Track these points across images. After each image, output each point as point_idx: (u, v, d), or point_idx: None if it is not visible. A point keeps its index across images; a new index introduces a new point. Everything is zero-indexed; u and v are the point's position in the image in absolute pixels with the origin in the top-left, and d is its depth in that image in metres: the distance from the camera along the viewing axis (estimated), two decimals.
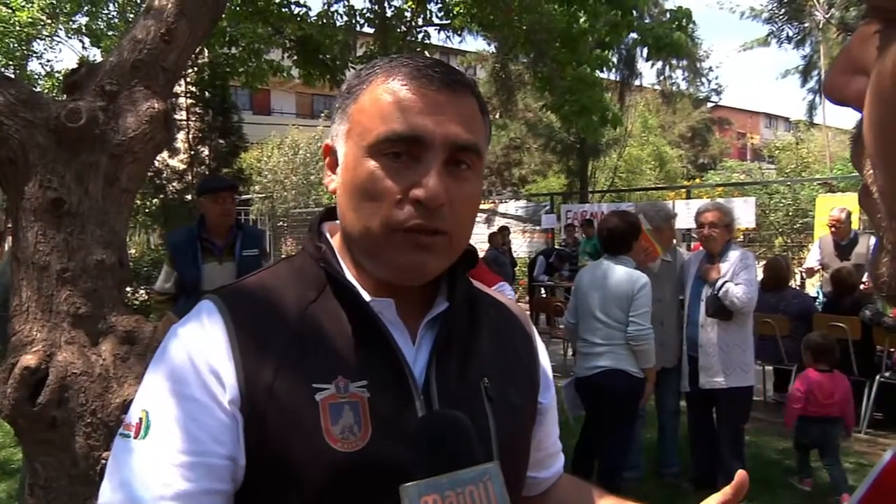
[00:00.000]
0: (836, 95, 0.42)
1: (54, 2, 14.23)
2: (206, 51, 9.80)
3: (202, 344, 0.76)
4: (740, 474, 0.80)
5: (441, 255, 0.80)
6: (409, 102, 0.77)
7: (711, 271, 3.95)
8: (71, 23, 14.65)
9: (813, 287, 6.42)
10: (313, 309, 0.80)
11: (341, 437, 0.73)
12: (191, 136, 12.47)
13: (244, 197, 15.55)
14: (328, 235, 0.88)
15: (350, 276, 0.84)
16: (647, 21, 7.54)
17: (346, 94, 0.84)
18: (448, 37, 8.83)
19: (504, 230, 11.81)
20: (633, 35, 7.25)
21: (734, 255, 3.96)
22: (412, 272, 0.79)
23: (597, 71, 7.47)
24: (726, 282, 3.85)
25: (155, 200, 12.43)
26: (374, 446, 0.73)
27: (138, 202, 11.63)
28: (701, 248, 4.25)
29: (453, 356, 0.83)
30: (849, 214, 6.24)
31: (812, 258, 6.47)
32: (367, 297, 0.81)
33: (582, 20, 7.02)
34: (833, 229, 6.13)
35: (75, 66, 2.15)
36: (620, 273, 3.59)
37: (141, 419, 0.74)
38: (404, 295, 0.83)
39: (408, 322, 0.83)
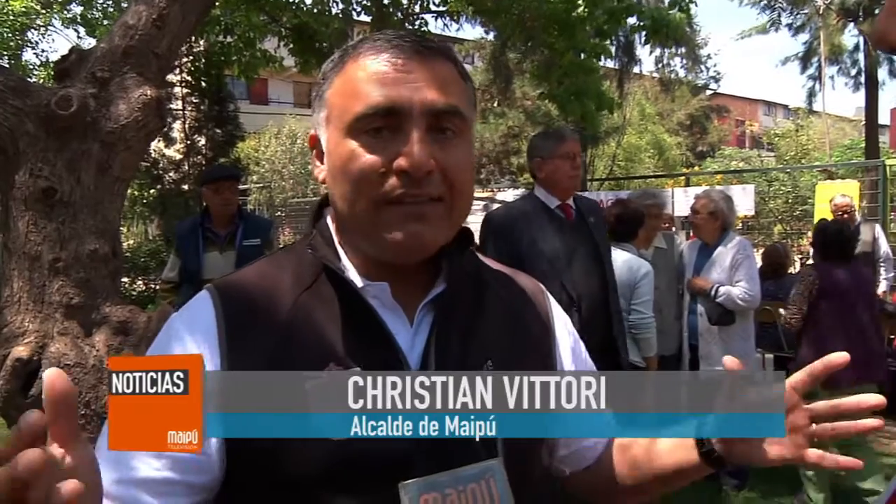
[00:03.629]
0: (886, 41, 0.39)
1: None
2: (201, 39, 9.73)
3: (189, 334, 0.76)
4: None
5: (439, 225, 0.77)
6: (381, 75, 0.75)
7: (698, 284, 3.92)
8: (65, 12, 14.51)
9: None
10: (307, 296, 0.79)
11: None
12: (187, 125, 12.43)
13: (241, 187, 15.53)
14: (328, 220, 0.87)
15: (346, 260, 0.83)
16: (644, 7, 7.47)
17: (321, 81, 0.83)
18: (446, 24, 8.76)
19: None
20: (632, 20, 7.19)
21: (730, 244, 3.91)
22: (410, 246, 0.76)
23: (595, 59, 7.43)
24: (720, 286, 3.83)
25: (152, 191, 12.41)
26: None
27: (135, 193, 11.60)
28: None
29: (453, 338, 0.80)
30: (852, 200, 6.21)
31: None
32: (359, 281, 0.80)
33: (581, 8, 6.96)
34: (846, 216, 6.07)
35: (66, 52, 2.11)
36: (622, 261, 3.55)
37: None
38: (402, 278, 0.81)
39: (406, 305, 0.81)
